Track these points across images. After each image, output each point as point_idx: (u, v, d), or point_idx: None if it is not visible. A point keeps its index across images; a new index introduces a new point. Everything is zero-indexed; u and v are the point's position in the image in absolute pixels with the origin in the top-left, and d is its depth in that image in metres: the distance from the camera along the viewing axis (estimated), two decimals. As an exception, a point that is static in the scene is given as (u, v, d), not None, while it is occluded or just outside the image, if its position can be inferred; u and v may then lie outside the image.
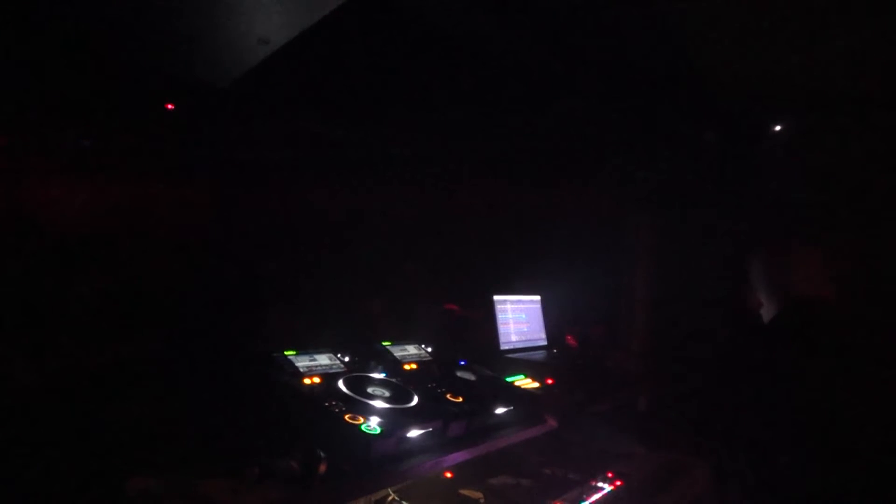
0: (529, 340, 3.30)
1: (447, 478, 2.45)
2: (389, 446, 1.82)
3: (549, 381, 2.73)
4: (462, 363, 2.65)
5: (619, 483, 2.64)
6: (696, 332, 2.96)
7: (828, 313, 2.09)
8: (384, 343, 2.54)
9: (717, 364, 2.14)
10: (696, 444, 2.02)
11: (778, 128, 3.37)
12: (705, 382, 2.08)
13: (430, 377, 2.39)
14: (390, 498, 2.19)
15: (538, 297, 3.49)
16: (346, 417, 1.82)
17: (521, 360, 2.98)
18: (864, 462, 1.94)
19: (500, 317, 3.15)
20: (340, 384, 2.04)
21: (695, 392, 2.07)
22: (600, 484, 2.61)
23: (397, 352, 2.52)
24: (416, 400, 2.08)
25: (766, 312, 2.21)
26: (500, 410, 2.31)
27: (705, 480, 2.15)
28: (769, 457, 1.86)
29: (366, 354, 2.40)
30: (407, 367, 2.45)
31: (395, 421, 1.89)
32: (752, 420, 1.89)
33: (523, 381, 2.72)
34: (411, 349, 2.61)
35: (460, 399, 2.23)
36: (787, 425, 1.85)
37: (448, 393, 2.25)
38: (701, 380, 2.12)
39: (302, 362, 2.12)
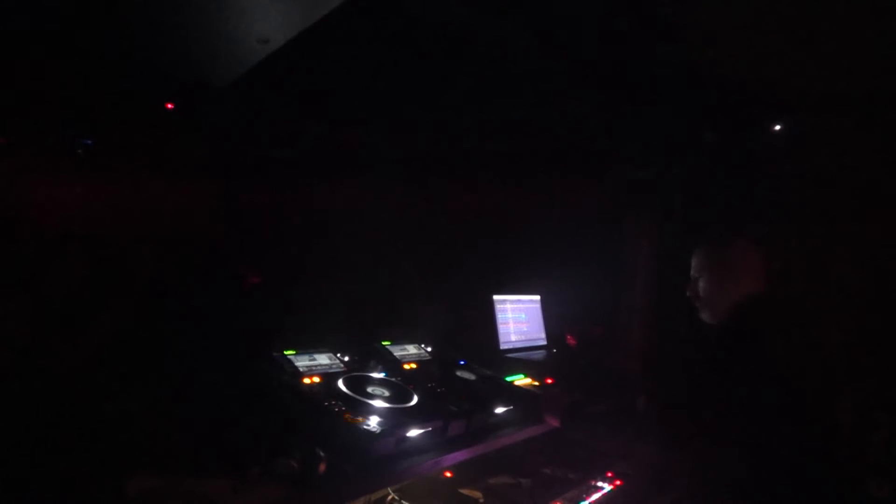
0: (529, 340, 3.30)
1: (447, 477, 2.45)
2: (389, 446, 1.82)
3: (549, 381, 2.73)
4: (462, 363, 2.65)
5: (619, 483, 2.64)
6: (695, 332, 2.96)
7: (786, 307, 2.12)
8: (384, 343, 2.53)
9: (708, 364, 2.14)
10: (693, 443, 2.03)
11: (777, 127, 3.37)
12: (700, 382, 2.09)
13: (430, 377, 2.39)
14: (390, 497, 2.19)
15: (538, 297, 3.49)
16: (346, 417, 1.82)
17: (521, 360, 2.97)
18: (849, 449, 1.95)
19: (499, 317, 3.15)
20: (340, 384, 2.03)
21: (692, 391, 2.08)
22: (600, 484, 2.61)
23: (397, 352, 2.52)
24: (415, 400, 2.08)
25: (721, 309, 2.22)
26: (499, 410, 2.31)
27: (703, 480, 2.15)
28: (761, 454, 1.87)
29: (366, 354, 2.40)
30: (407, 366, 2.45)
31: (395, 420, 1.89)
32: (738, 418, 1.90)
33: (523, 381, 2.72)
34: (411, 349, 2.61)
35: (461, 399, 2.23)
36: (768, 421, 1.86)
37: (448, 393, 2.25)
38: (697, 379, 2.12)
39: (302, 362, 2.12)
